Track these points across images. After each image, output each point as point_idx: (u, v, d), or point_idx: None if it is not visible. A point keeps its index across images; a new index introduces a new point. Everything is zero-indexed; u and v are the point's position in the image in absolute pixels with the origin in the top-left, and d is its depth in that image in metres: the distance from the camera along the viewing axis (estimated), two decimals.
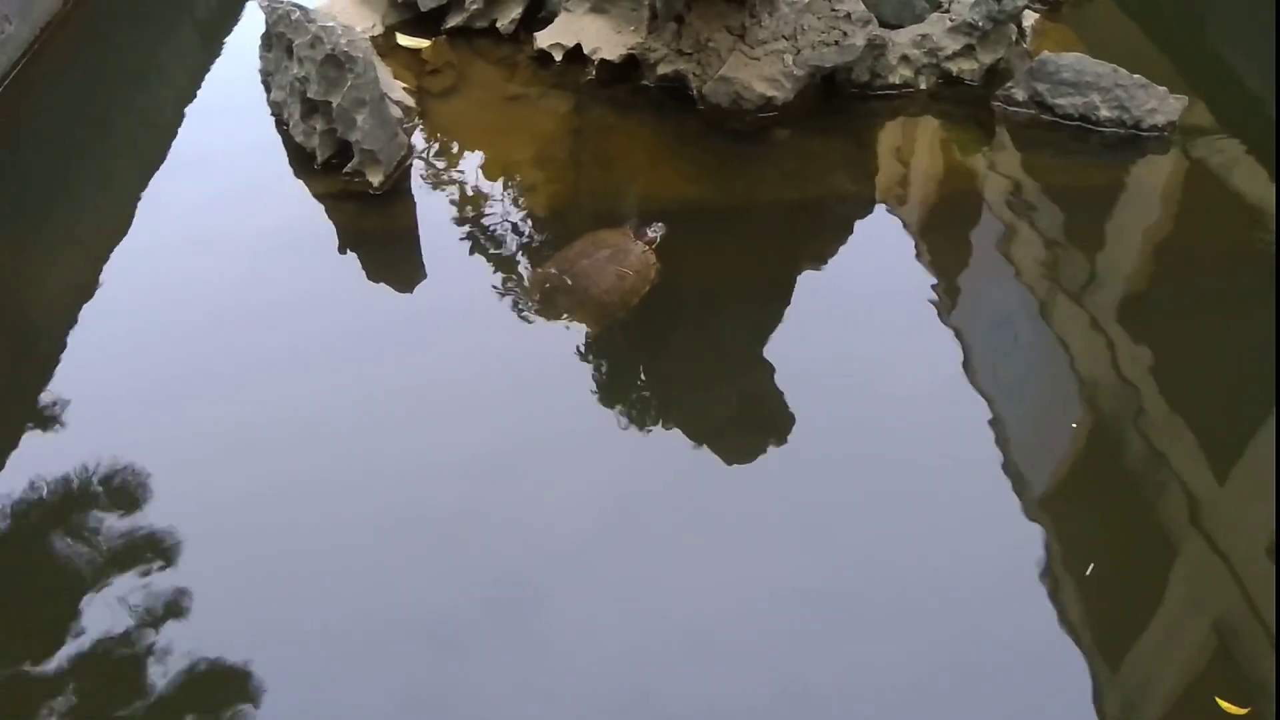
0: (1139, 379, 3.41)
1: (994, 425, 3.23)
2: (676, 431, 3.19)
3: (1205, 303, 3.76)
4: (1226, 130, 4.57)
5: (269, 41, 4.33)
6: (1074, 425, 3.28)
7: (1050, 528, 2.95)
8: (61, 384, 3.26)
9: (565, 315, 3.54)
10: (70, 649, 2.59)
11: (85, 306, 3.54)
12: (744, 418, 3.31)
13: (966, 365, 3.43)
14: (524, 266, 3.76)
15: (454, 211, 3.99)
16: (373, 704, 2.53)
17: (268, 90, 4.41)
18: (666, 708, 2.55)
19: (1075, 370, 3.48)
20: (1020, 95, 4.52)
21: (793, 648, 2.66)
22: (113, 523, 2.87)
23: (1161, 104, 4.38)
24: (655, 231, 3.77)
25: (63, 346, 3.39)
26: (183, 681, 2.55)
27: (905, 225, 4.09)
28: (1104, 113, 4.40)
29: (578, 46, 4.65)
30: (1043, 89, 4.45)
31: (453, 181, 4.14)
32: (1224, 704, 2.56)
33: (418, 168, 4.15)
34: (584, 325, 3.51)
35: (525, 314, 3.57)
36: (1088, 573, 2.84)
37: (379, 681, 2.57)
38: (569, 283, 3.58)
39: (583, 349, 3.44)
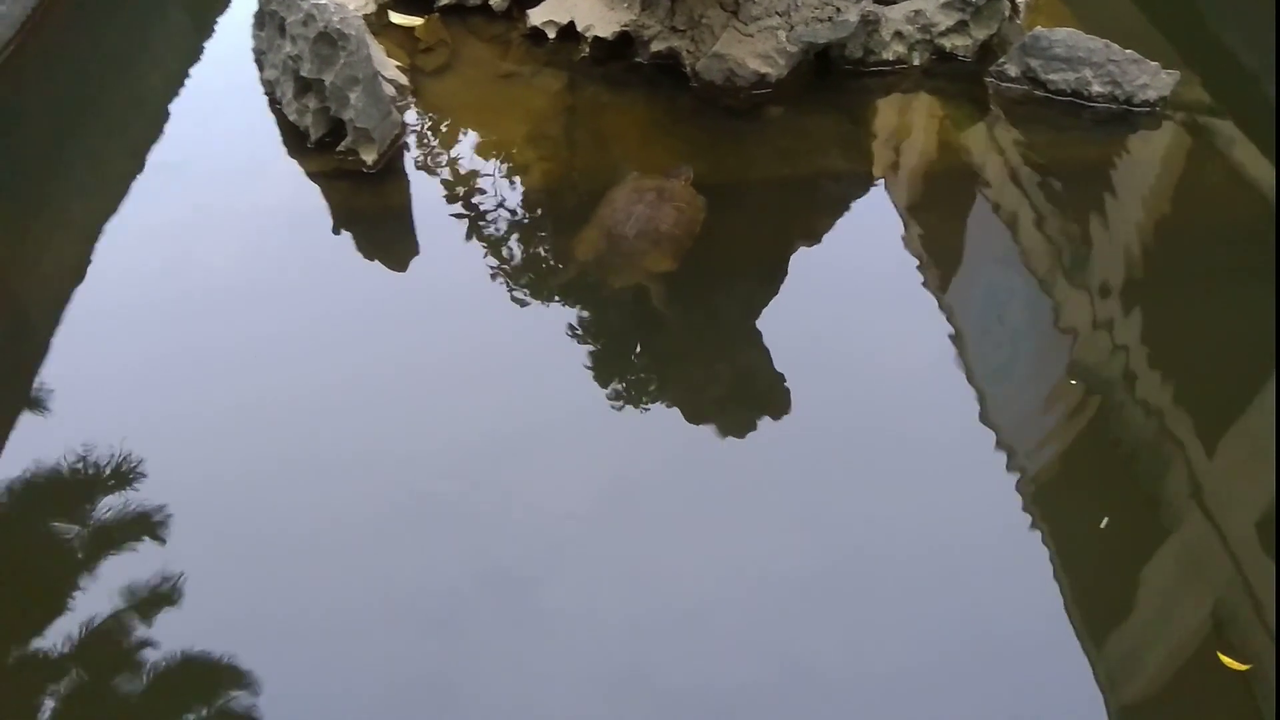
0: (1133, 354, 3.43)
1: (988, 401, 3.25)
2: (672, 410, 3.21)
3: (1197, 277, 3.78)
4: (1219, 106, 4.58)
5: (261, 20, 4.32)
6: (1073, 382, 3.32)
7: (1045, 503, 2.97)
8: (57, 366, 3.26)
9: (644, 259, 3.60)
10: (68, 628, 2.61)
11: (79, 288, 3.54)
12: (739, 396, 3.32)
13: (961, 341, 3.45)
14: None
15: (447, 190, 3.99)
16: (369, 683, 2.55)
17: (260, 69, 4.40)
18: (663, 686, 2.57)
19: (1069, 346, 3.49)
20: (1013, 71, 4.52)
21: (790, 626, 2.68)
22: (109, 504, 2.88)
23: (1153, 79, 4.39)
24: (684, 171, 3.91)
25: (57, 329, 3.39)
26: (179, 661, 2.57)
27: (899, 202, 4.10)
28: (1096, 88, 4.40)
29: (571, 24, 4.64)
30: (1035, 65, 4.46)
31: (446, 160, 4.14)
32: (1225, 659, 2.60)
33: (411, 146, 4.15)
34: (660, 265, 3.58)
35: (518, 293, 3.58)
36: (1102, 525, 2.88)
37: (375, 661, 2.59)
38: (637, 229, 3.63)
39: (577, 327, 3.46)
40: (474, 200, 3.95)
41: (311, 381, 3.24)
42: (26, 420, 3.11)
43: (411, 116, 4.28)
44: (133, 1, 5.22)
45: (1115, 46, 4.40)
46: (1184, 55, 4.80)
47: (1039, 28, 4.50)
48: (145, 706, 2.50)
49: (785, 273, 3.73)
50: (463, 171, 4.08)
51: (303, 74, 3.94)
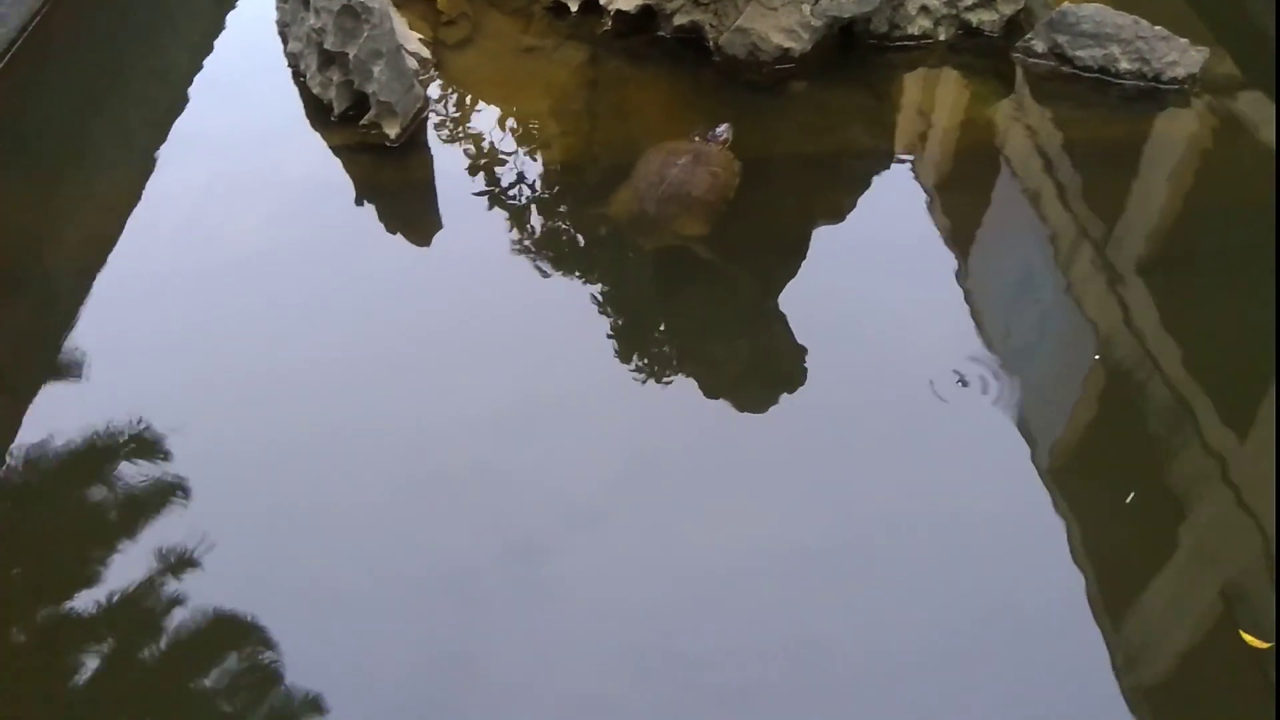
0: (1155, 334, 3.41)
1: (1009, 379, 3.23)
2: (691, 385, 3.22)
3: (1224, 257, 3.75)
4: (1249, 83, 4.52)
5: None
6: (1096, 357, 3.32)
7: (1065, 481, 2.97)
8: (83, 335, 3.30)
9: (674, 223, 3.62)
10: (92, 597, 2.64)
11: (104, 258, 3.57)
12: (758, 371, 3.32)
13: (982, 319, 3.44)
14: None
15: (469, 164, 4.00)
16: (390, 656, 2.58)
17: (284, 41, 4.41)
18: (680, 658, 2.58)
19: (1091, 325, 3.48)
20: (1040, 47, 4.47)
21: (807, 601, 2.70)
22: (135, 471, 2.92)
23: (1182, 56, 4.33)
24: (724, 132, 3.93)
25: (82, 297, 3.43)
26: (200, 632, 2.60)
27: (922, 179, 4.08)
28: (1124, 65, 4.36)
29: None
30: (1062, 40, 4.41)
31: (468, 134, 4.14)
32: (1247, 637, 2.60)
33: (433, 120, 4.16)
34: (692, 230, 3.60)
35: (539, 267, 3.59)
36: (1128, 500, 2.89)
37: (396, 630, 2.62)
38: (667, 193, 3.65)
39: (598, 300, 3.46)
40: (496, 174, 3.96)
41: (333, 353, 3.27)
42: (55, 388, 3.15)
43: (434, 90, 4.29)
44: None
45: (1144, 23, 4.35)
46: (1215, 32, 4.73)
47: (1067, 3, 4.45)
48: (171, 668, 2.54)
49: (807, 248, 3.72)
50: (485, 145, 4.09)
51: (326, 47, 3.95)
